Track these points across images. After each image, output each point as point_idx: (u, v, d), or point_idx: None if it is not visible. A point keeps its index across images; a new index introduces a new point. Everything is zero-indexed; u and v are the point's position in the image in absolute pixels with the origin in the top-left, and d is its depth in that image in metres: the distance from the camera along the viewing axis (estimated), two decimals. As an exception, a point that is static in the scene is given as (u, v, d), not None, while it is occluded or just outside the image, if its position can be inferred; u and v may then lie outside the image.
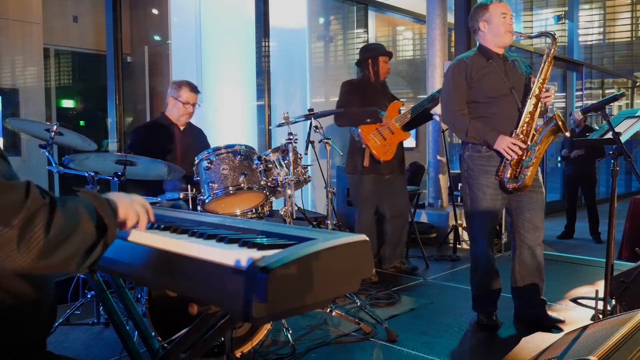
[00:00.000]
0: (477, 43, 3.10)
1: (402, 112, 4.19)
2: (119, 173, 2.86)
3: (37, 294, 1.16)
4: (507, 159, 2.90)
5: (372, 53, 4.22)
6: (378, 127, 4.06)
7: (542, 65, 2.89)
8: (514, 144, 2.85)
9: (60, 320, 2.99)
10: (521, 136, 2.89)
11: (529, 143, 2.88)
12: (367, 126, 4.05)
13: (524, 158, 2.88)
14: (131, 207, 1.19)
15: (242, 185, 2.78)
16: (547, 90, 2.90)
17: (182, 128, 3.54)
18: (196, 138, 3.64)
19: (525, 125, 2.89)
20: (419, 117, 4.21)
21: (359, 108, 4.06)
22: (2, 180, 0.94)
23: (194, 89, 3.51)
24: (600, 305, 2.87)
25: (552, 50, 2.88)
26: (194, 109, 3.52)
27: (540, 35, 3.04)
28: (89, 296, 3.12)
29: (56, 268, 0.97)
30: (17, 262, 0.91)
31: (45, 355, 1.21)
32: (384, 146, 4.05)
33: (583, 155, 6.27)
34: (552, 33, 2.91)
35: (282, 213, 2.98)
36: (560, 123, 2.82)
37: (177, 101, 3.45)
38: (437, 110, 4.94)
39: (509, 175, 2.91)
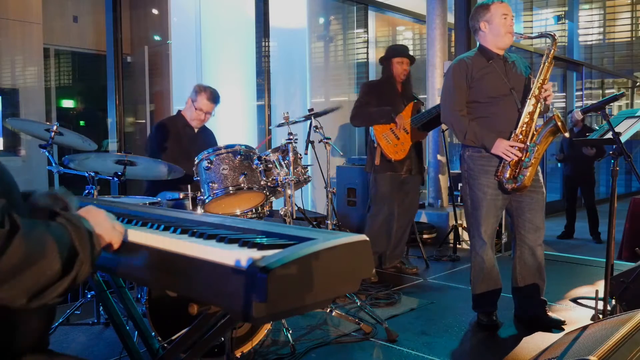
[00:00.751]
0: (477, 43, 3.11)
1: (421, 112, 4.22)
2: (119, 173, 2.86)
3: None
4: (507, 161, 2.89)
5: (387, 54, 4.28)
6: (392, 127, 4.09)
7: (542, 65, 2.89)
8: (512, 147, 2.85)
9: (60, 320, 2.99)
10: (520, 137, 2.89)
11: (528, 143, 2.88)
12: (382, 126, 4.09)
13: (523, 159, 2.88)
14: (113, 231, 1.15)
15: (242, 185, 2.78)
16: (546, 90, 2.90)
17: (196, 130, 3.58)
18: (207, 139, 3.67)
19: (525, 125, 2.89)
20: (433, 120, 4.22)
21: (375, 108, 4.09)
22: None
23: (213, 99, 3.47)
24: (600, 305, 2.87)
25: (552, 50, 2.88)
26: (206, 117, 3.51)
27: (540, 36, 3.04)
28: (89, 296, 3.12)
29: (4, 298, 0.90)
30: None
31: (47, 353, 1.22)
32: (395, 145, 4.09)
33: (581, 155, 6.27)
34: (552, 34, 2.91)
35: (282, 213, 2.98)
36: (559, 123, 2.82)
37: (193, 105, 3.47)
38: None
39: (508, 176, 2.91)
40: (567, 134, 2.96)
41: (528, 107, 2.89)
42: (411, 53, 4.31)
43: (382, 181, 4.17)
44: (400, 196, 4.28)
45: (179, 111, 3.58)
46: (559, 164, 7.69)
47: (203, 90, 3.46)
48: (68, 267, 0.96)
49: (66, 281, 0.96)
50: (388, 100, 4.14)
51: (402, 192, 4.28)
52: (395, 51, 4.27)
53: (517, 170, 2.89)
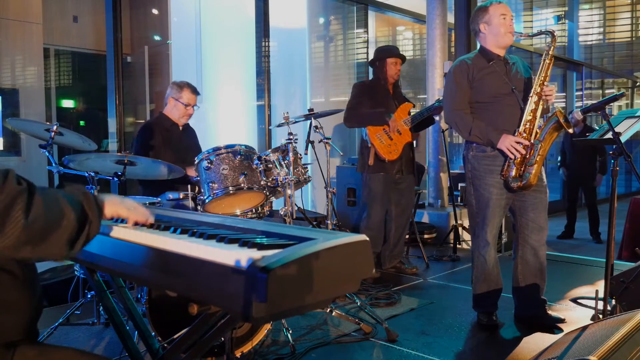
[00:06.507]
0: (478, 45, 3.11)
1: (412, 114, 4.23)
2: (119, 173, 2.86)
3: (25, 275, 1.17)
4: (511, 158, 2.89)
5: (380, 55, 4.26)
6: (385, 128, 4.09)
7: (542, 63, 2.89)
8: (518, 143, 2.85)
9: (60, 320, 2.99)
10: (524, 134, 2.89)
11: (532, 141, 2.88)
12: (375, 126, 4.09)
13: (527, 157, 2.88)
14: (120, 204, 1.23)
15: (242, 185, 2.78)
16: (548, 92, 2.90)
17: (181, 128, 3.59)
18: (193, 138, 3.71)
19: (528, 123, 2.89)
20: (425, 121, 4.26)
21: (368, 109, 4.10)
22: None
23: (195, 91, 3.57)
24: (600, 305, 2.87)
25: (552, 47, 2.89)
26: (194, 110, 3.57)
27: (540, 33, 3.03)
28: (89, 296, 3.11)
29: (42, 253, 0.98)
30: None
31: (41, 345, 1.22)
32: (389, 146, 4.09)
33: (583, 155, 6.27)
34: (551, 31, 2.91)
35: (282, 213, 2.97)
36: (562, 120, 2.82)
37: (179, 102, 3.50)
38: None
39: (513, 174, 2.90)
40: (570, 130, 2.94)
41: (530, 105, 2.89)
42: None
43: (375, 181, 4.17)
44: (396, 196, 4.29)
45: (161, 112, 3.60)
46: (558, 164, 7.69)
47: (185, 86, 3.53)
48: (82, 225, 1.05)
49: (82, 237, 1.06)
50: (381, 102, 4.14)
51: (398, 193, 4.29)
52: (389, 52, 4.26)
53: (522, 169, 2.89)
